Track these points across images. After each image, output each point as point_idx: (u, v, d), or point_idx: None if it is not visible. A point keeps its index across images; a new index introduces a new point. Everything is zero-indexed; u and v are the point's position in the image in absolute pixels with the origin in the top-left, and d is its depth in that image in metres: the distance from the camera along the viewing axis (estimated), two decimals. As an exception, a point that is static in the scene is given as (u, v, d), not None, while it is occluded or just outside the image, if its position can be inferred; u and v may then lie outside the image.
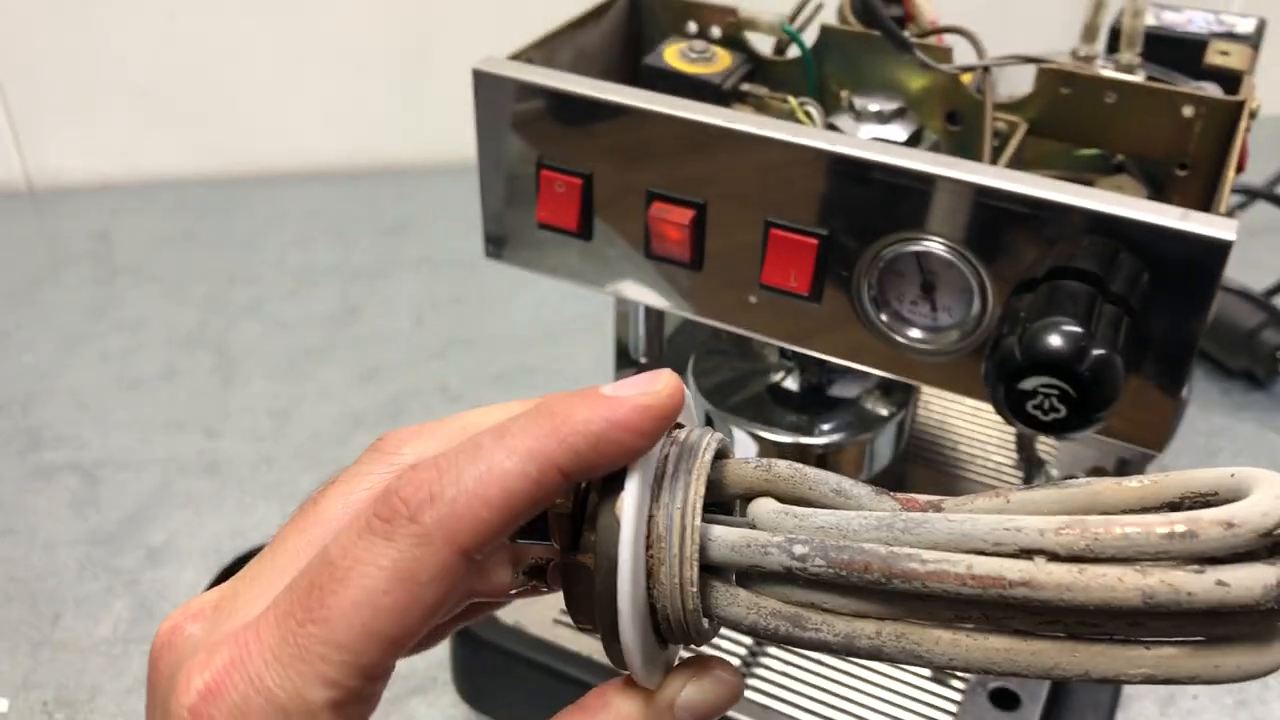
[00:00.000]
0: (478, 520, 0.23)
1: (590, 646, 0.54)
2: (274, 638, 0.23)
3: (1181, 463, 0.72)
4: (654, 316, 0.60)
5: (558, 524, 0.25)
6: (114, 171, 1.06)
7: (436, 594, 0.23)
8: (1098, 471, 0.65)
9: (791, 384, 0.57)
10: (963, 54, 0.49)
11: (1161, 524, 0.21)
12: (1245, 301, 0.77)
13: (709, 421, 0.57)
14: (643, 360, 0.62)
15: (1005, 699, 0.52)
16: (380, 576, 0.22)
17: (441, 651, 0.59)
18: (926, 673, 0.53)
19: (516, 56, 0.48)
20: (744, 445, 0.55)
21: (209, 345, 0.84)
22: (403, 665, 0.26)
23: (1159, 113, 0.46)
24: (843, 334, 0.44)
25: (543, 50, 0.49)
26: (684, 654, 0.28)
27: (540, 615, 0.55)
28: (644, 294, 0.48)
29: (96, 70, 1.02)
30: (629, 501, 0.24)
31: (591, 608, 0.25)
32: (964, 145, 0.49)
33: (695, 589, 0.24)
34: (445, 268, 0.93)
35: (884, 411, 0.56)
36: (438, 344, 0.84)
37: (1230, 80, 0.49)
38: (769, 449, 0.55)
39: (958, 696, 0.52)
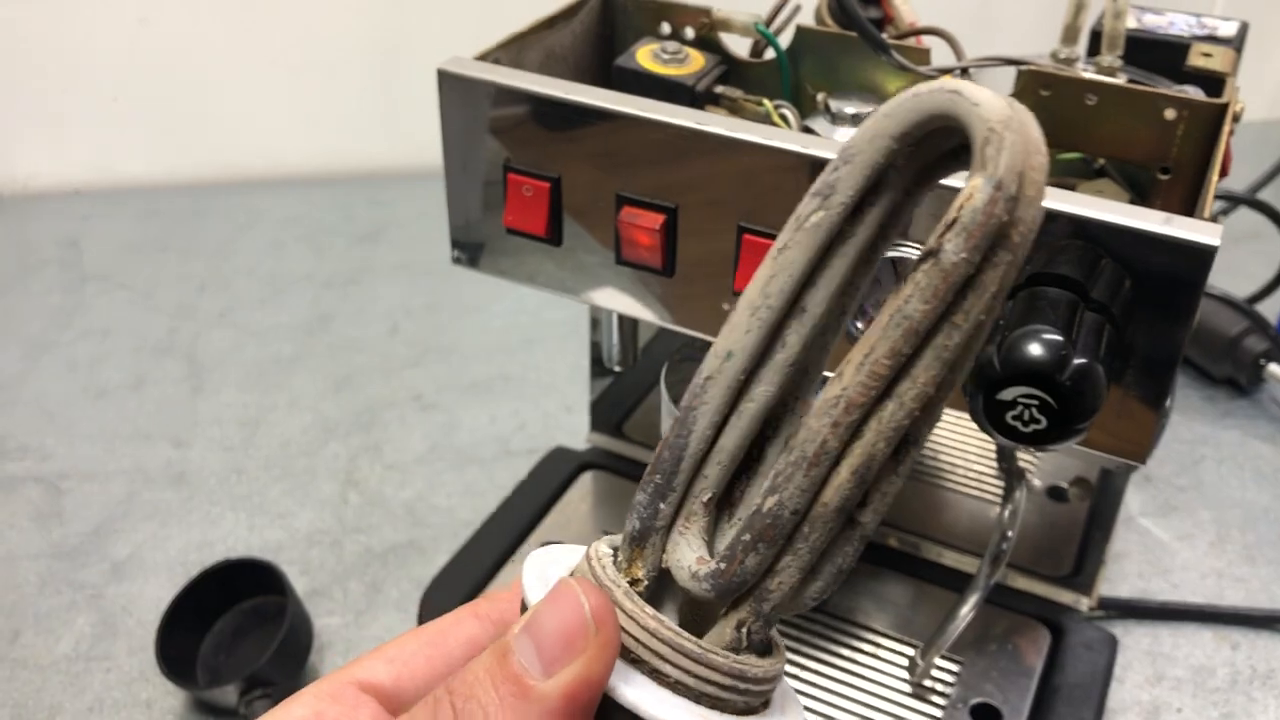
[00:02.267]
0: None
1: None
2: None
3: (1164, 471, 0.71)
4: (629, 324, 0.58)
5: None
6: (84, 177, 1.05)
7: None
8: (1081, 484, 0.64)
9: (768, 393, 0.56)
10: (941, 56, 0.48)
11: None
12: (1228, 308, 0.77)
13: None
14: (618, 369, 0.61)
15: (986, 714, 0.51)
16: None
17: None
18: (906, 688, 0.52)
19: (483, 57, 0.47)
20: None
21: (178, 354, 0.83)
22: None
23: (1141, 115, 0.45)
24: (818, 342, 0.43)
25: (511, 50, 0.48)
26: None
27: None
28: (616, 301, 0.47)
29: (66, 75, 1.01)
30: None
31: None
32: (943, 149, 0.48)
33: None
34: (420, 274, 0.92)
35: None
36: (412, 352, 0.83)
37: (1213, 83, 0.48)
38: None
39: (938, 713, 0.51)
